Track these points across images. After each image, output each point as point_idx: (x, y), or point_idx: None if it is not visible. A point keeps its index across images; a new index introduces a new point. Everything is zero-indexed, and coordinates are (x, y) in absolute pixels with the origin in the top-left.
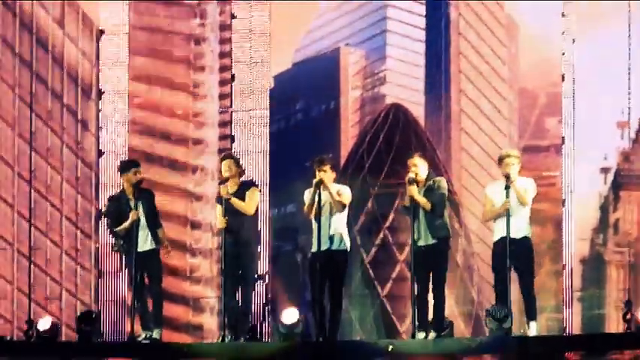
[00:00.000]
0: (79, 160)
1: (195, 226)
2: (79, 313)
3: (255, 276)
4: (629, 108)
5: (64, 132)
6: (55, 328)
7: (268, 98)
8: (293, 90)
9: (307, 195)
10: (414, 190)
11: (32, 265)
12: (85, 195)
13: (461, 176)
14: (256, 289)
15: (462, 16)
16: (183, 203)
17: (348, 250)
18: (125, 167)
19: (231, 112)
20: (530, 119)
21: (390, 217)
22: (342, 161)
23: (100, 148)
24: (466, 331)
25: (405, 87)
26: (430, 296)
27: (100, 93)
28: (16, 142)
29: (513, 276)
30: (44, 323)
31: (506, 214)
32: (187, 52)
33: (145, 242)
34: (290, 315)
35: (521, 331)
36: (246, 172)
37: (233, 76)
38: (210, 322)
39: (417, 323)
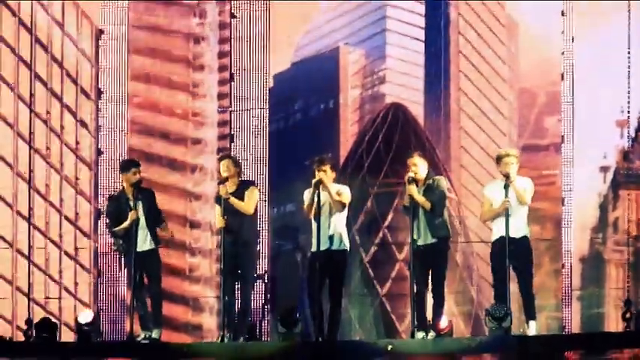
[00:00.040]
0: (78, 160)
1: (194, 225)
2: (76, 314)
3: (255, 275)
4: (628, 107)
5: (63, 131)
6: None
7: (268, 97)
8: (292, 89)
9: (307, 195)
10: (413, 190)
11: (32, 265)
12: (84, 195)
13: (460, 175)
14: (255, 289)
15: (461, 16)
16: (183, 203)
17: (348, 249)
18: (125, 167)
19: (231, 111)
20: (530, 118)
21: (390, 217)
22: (342, 161)
23: (99, 147)
24: (466, 331)
25: (405, 86)
26: (429, 296)
27: (99, 92)
28: (15, 142)
29: (512, 275)
30: (85, 317)
31: (506, 213)
32: (186, 51)
33: (144, 242)
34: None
35: (521, 330)
36: (245, 171)
37: (232, 76)
38: (209, 321)
39: (416, 323)
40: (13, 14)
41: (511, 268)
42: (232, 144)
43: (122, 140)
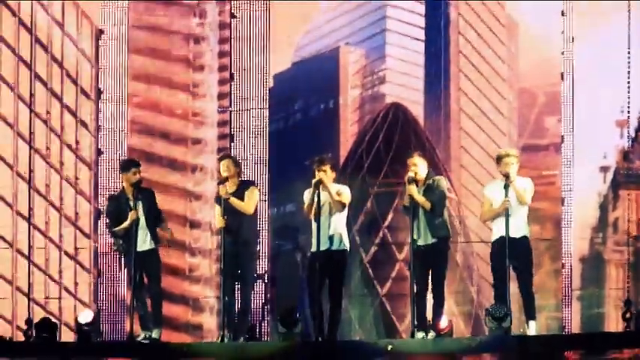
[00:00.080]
0: (78, 160)
1: (194, 225)
2: (76, 314)
3: (255, 275)
4: (628, 107)
5: (63, 132)
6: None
7: (268, 97)
8: (292, 89)
9: (307, 195)
10: (413, 190)
11: (32, 265)
12: (84, 195)
13: (460, 175)
14: (255, 289)
15: (461, 16)
16: (182, 202)
17: (348, 249)
18: (125, 167)
19: (231, 111)
20: (530, 118)
21: (390, 217)
22: (342, 161)
23: (99, 147)
24: (466, 331)
25: (405, 86)
26: (429, 296)
27: (99, 92)
28: (15, 142)
29: (512, 275)
30: (85, 317)
31: (506, 213)
32: (186, 51)
33: (144, 242)
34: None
35: (521, 330)
36: (245, 171)
37: (232, 76)
38: (209, 321)
39: (416, 323)
40: (13, 14)
41: (511, 268)
42: (232, 144)
43: (122, 140)
